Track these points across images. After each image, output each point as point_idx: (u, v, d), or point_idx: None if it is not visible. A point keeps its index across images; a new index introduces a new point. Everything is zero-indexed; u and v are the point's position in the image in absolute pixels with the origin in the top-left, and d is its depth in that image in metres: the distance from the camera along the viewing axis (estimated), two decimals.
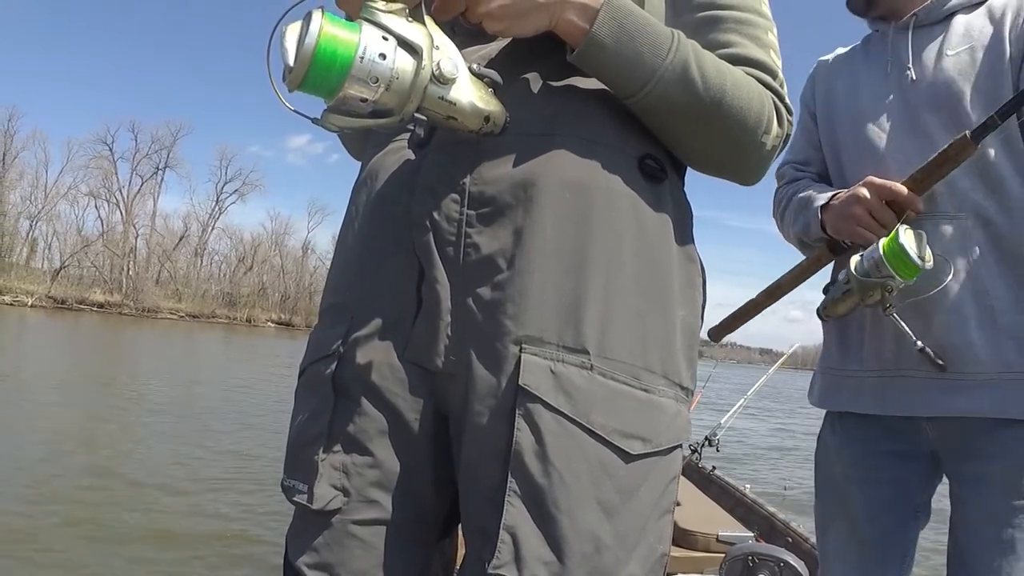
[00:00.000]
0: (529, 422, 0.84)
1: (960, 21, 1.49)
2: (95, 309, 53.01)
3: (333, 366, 0.95)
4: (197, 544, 4.99)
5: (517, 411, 0.84)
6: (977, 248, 1.39)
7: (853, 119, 1.61)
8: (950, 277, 1.38)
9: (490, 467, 0.86)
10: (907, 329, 1.40)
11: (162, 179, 65.82)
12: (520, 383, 0.84)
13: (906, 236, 1.35)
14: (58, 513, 5.33)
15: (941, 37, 1.50)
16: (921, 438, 1.48)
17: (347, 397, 0.94)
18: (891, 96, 1.54)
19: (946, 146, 1.35)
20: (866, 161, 1.56)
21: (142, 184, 64.08)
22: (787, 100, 1.02)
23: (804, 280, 1.70)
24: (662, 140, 0.98)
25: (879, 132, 1.55)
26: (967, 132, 1.32)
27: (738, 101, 0.93)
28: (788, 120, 1.01)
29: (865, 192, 1.44)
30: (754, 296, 1.80)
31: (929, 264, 1.36)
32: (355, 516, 0.91)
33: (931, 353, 1.38)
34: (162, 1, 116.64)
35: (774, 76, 1.00)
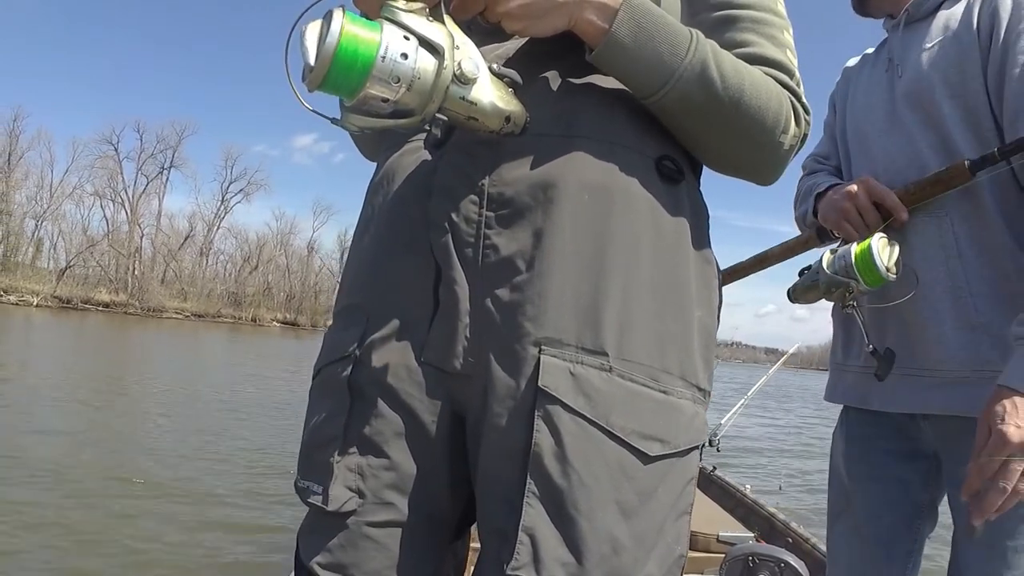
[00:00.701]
0: (548, 424, 0.83)
1: (942, 15, 1.49)
2: (100, 309, 53.15)
3: (349, 368, 0.95)
4: (207, 547, 4.99)
5: (536, 412, 0.84)
6: (956, 244, 1.39)
7: (855, 118, 1.65)
8: (915, 290, 1.41)
9: (509, 468, 0.85)
10: (863, 329, 1.46)
11: (167, 179, 66.07)
12: (539, 384, 0.84)
13: (879, 244, 1.40)
14: (64, 518, 5.34)
15: (925, 32, 1.50)
16: (922, 437, 1.49)
17: (363, 399, 0.94)
18: (882, 95, 1.56)
19: (942, 169, 1.37)
20: (860, 159, 1.61)
21: (147, 184, 64.34)
22: (804, 100, 1.01)
23: (790, 257, 1.81)
24: (680, 140, 0.98)
25: (870, 130, 1.57)
26: (966, 161, 1.33)
27: (756, 101, 0.93)
28: (805, 119, 1.01)
29: (857, 189, 1.49)
30: (743, 260, 1.92)
31: (893, 276, 1.39)
32: (370, 518, 0.91)
33: (876, 357, 1.43)
34: (166, 0, 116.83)
35: (791, 75, 1.00)
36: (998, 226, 1.35)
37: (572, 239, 0.88)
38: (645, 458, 0.86)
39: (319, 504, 0.92)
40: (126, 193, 62.78)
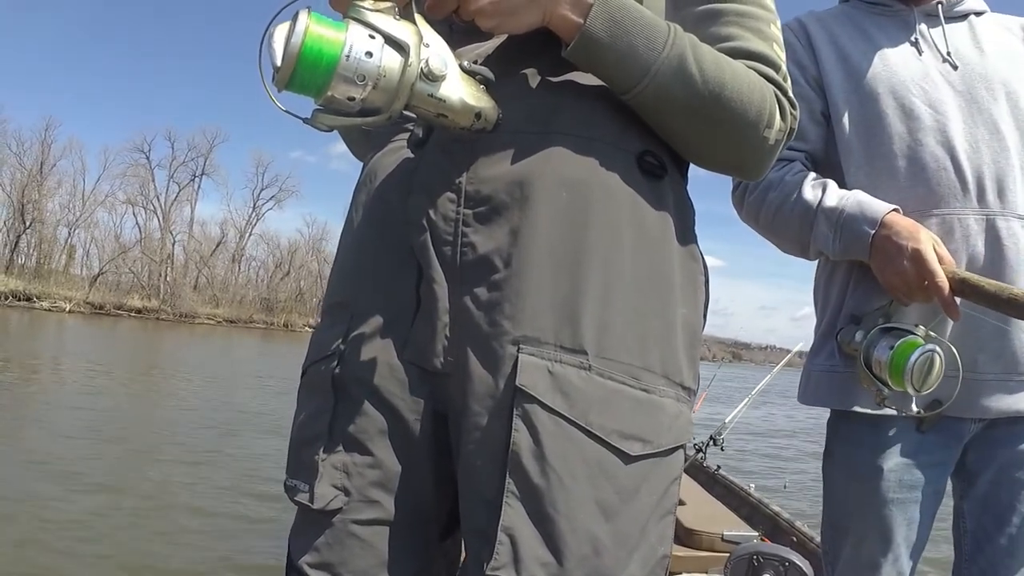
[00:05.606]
0: (527, 423, 0.83)
1: (982, 21, 1.53)
2: (132, 315, 53.76)
3: (333, 366, 0.95)
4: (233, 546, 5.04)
5: (514, 412, 0.83)
6: None
7: (894, 92, 1.47)
8: (950, 401, 1.32)
9: (488, 468, 0.85)
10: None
11: (199, 186, 66.53)
12: (517, 384, 0.84)
13: (918, 361, 1.25)
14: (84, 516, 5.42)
15: (972, 31, 1.52)
16: None
17: (347, 397, 0.94)
18: (936, 78, 1.47)
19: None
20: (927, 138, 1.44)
21: (179, 191, 64.86)
22: (791, 94, 0.99)
23: None
24: (662, 136, 0.97)
25: (929, 109, 1.44)
26: None
27: (738, 95, 0.91)
28: (792, 114, 0.99)
29: (928, 255, 1.27)
30: None
31: (924, 392, 1.28)
32: (356, 516, 0.92)
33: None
34: (196, 9, 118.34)
35: (777, 69, 0.98)
36: None
37: (549, 236, 0.88)
38: (626, 457, 0.86)
39: (305, 502, 0.93)
40: (158, 200, 63.52)
